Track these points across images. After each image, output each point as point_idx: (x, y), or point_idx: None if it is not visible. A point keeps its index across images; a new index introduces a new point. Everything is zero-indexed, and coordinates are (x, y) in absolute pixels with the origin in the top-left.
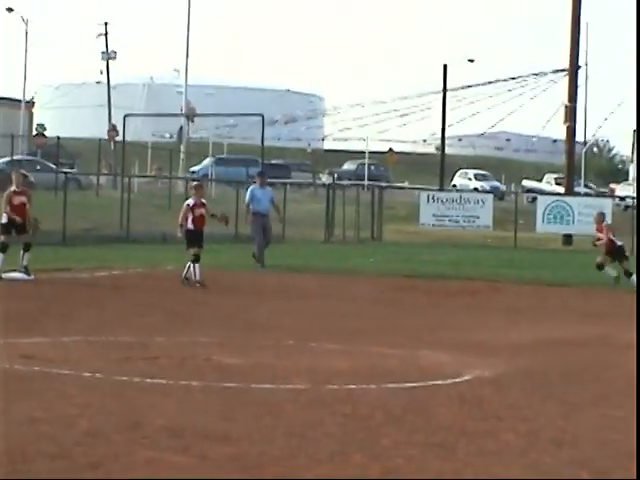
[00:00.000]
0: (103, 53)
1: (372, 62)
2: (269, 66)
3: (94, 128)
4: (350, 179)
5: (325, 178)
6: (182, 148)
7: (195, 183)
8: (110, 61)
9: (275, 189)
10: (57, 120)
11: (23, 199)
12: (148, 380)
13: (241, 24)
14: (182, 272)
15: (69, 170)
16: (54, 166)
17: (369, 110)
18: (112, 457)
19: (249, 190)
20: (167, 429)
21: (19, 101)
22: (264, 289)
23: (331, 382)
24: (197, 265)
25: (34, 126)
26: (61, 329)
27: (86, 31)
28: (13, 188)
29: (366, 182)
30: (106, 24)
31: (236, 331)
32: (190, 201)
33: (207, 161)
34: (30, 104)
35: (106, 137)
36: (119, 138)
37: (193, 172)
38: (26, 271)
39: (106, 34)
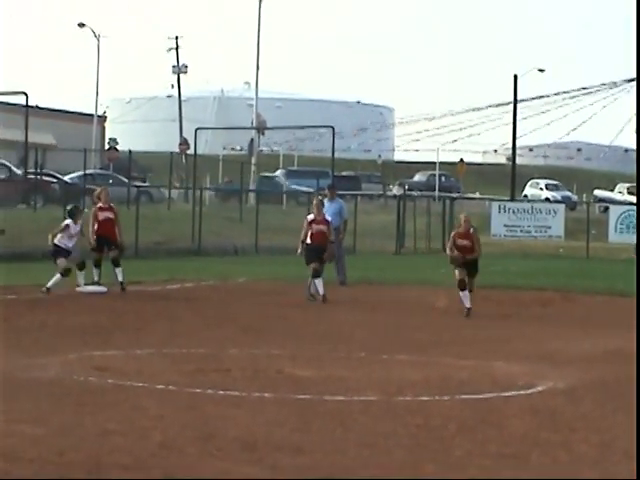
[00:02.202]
0: (174, 67)
1: (442, 73)
2: (339, 78)
3: (165, 142)
4: (421, 190)
5: (396, 189)
6: (253, 160)
7: (315, 200)
8: (181, 75)
9: (346, 201)
10: (129, 134)
11: (109, 215)
12: (221, 392)
13: (311, 36)
14: (305, 289)
15: (141, 184)
16: (126, 180)
17: (439, 121)
18: (186, 468)
19: None
20: (240, 441)
21: (91, 115)
22: (335, 301)
23: (403, 393)
24: (318, 280)
25: (106, 140)
26: (134, 342)
27: (157, 45)
28: (100, 204)
29: (437, 193)
30: (177, 38)
31: (308, 343)
32: (310, 217)
33: (278, 173)
34: (102, 118)
35: (177, 150)
36: (190, 151)
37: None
38: (122, 286)
39: (177, 48)
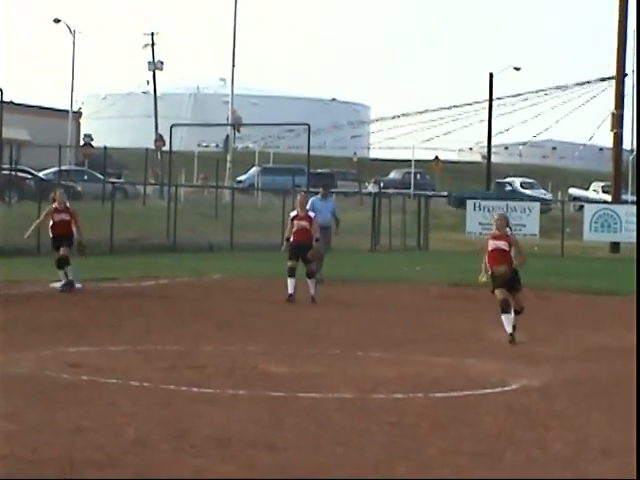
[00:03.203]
0: (150, 63)
1: (418, 71)
2: (315, 75)
3: (141, 138)
4: (396, 188)
5: (371, 187)
6: (228, 157)
7: (299, 196)
8: (157, 71)
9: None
10: (104, 130)
11: (64, 217)
12: (195, 389)
13: (287, 33)
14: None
15: (116, 180)
16: (101, 176)
17: (414, 119)
18: (160, 466)
19: (310, 201)
20: (214, 438)
21: (66, 111)
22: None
23: (377, 391)
24: (310, 280)
25: (81, 136)
26: (108, 338)
27: (133, 41)
28: (55, 205)
29: (412, 191)
30: (152, 34)
31: (283, 340)
32: (293, 213)
33: (253, 170)
34: (77, 114)
35: (153, 147)
36: (166, 148)
37: (239, 181)
38: (66, 287)
39: (153, 44)
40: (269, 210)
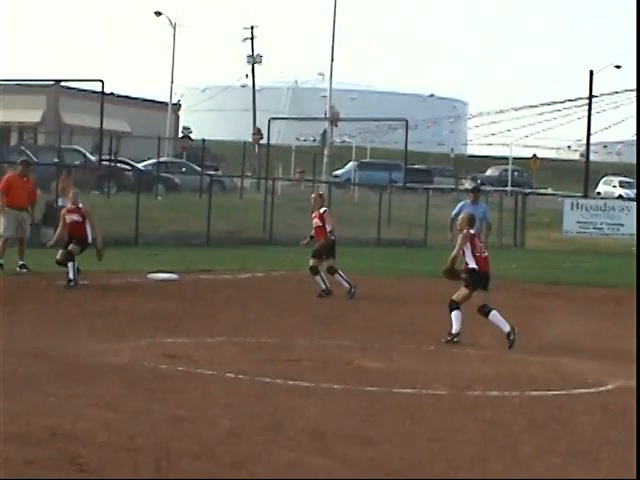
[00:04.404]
0: (249, 57)
1: (517, 68)
2: (413, 71)
3: (239, 131)
4: (493, 185)
5: (468, 184)
6: (325, 152)
7: (314, 194)
8: (255, 65)
9: (417, 194)
10: (202, 123)
11: (74, 217)
12: (290, 382)
13: (386, 28)
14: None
15: (214, 172)
16: (199, 168)
17: (513, 115)
18: (255, 457)
19: (459, 206)
20: (308, 431)
21: (166, 104)
22: (406, 294)
23: (472, 388)
24: (317, 277)
25: (180, 128)
26: (205, 330)
27: (232, 35)
28: (68, 205)
29: (509, 188)
30: (252, 28)
31: (378, 335)
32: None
33: (350, 165)
34: (176, 107)
35: (250, 140)
36: (263, 141)
37: (336, 176)
38: (69, 283)
39: (252, 38)
40: (365, 205)
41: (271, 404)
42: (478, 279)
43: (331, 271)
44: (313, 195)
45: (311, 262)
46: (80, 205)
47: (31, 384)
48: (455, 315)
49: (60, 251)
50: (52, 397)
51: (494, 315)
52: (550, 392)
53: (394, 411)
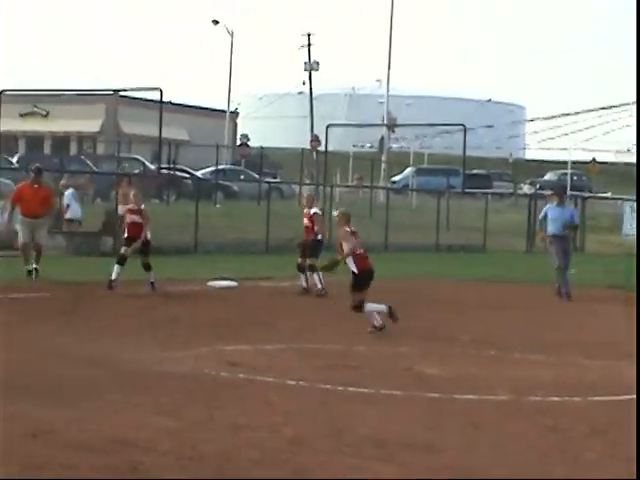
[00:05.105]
0: (306, 64)
1: (574, 71)
2: (470, 76)
3: (296, 138)
4: (552, 189)
5: (527, 188)
6: (383, 158)
7: (306, 194)
8: (312, 72)
9: (476, 199)
10: (260, 130)
11: (135, 218)
12: (350, 389)
13: (443, 34)
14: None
15: (272, 180)
16: (257, 176)
17: (572, 119)
18: (316, 464)
19: (544, 209)
20: (370, 438)
21: (224, 111)
22: (465, 299)
23: (534, 393)
24: (303, 275)
25: (238, 136)
26: (265, 337)
27: (289, 42)
28: (130, 206)
29: (568, 192)
30: (309, 35)
31: (437, 341)
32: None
33: (408, 171)
34: (234, 114)
35: (308, 147)
36: (321, 148)
37: (394, 182)
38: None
39: (309, 45)
40: (423, 211)
41: (332, 411)
42: (363, 278)
43: (311, 269)
44: (305, 195)
45: (299, 260)
46: (142, 206)
47: (92, 392)
48: (368, 309)
49: (123, 248)
50: (114, 405)
51: (368, 306)
52: (612, 397)
53: (455, 417)
